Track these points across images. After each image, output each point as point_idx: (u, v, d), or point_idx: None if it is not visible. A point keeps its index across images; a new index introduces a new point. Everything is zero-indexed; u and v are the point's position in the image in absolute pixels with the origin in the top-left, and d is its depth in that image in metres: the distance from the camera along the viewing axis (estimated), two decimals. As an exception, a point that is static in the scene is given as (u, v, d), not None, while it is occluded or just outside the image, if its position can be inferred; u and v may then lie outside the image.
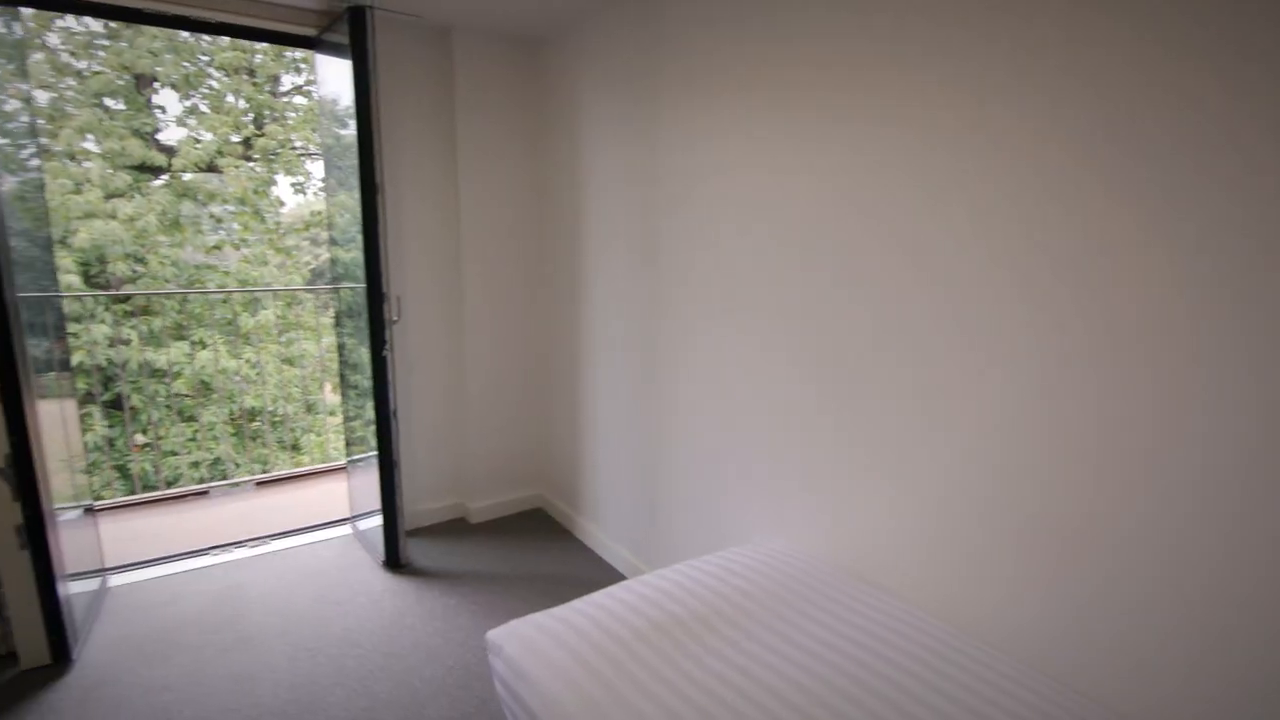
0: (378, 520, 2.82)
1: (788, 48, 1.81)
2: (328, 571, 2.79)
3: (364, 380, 2.79)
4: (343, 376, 3.16)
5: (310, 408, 7.74)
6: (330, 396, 7.82)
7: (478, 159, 3.01)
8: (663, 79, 2.30)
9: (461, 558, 2.92)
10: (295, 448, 7.58)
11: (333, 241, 3.10)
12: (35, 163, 2.49)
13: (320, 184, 7.91)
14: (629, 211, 2.55)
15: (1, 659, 2.19)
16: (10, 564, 2.09)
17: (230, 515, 3.34)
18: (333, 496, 3.54)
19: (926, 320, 1.54)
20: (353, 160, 2.55)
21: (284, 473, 3.80)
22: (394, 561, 2.81)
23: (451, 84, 2.93)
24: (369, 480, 2.86)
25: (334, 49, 2.67)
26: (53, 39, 7.31)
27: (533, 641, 1.45)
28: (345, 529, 3.16)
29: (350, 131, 2.58)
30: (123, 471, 6.90)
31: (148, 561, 2.81)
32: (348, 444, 3.29)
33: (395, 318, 2.67)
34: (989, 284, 1.40)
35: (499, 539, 3.09)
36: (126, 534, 3.10)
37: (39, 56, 7.23)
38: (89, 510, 2.68)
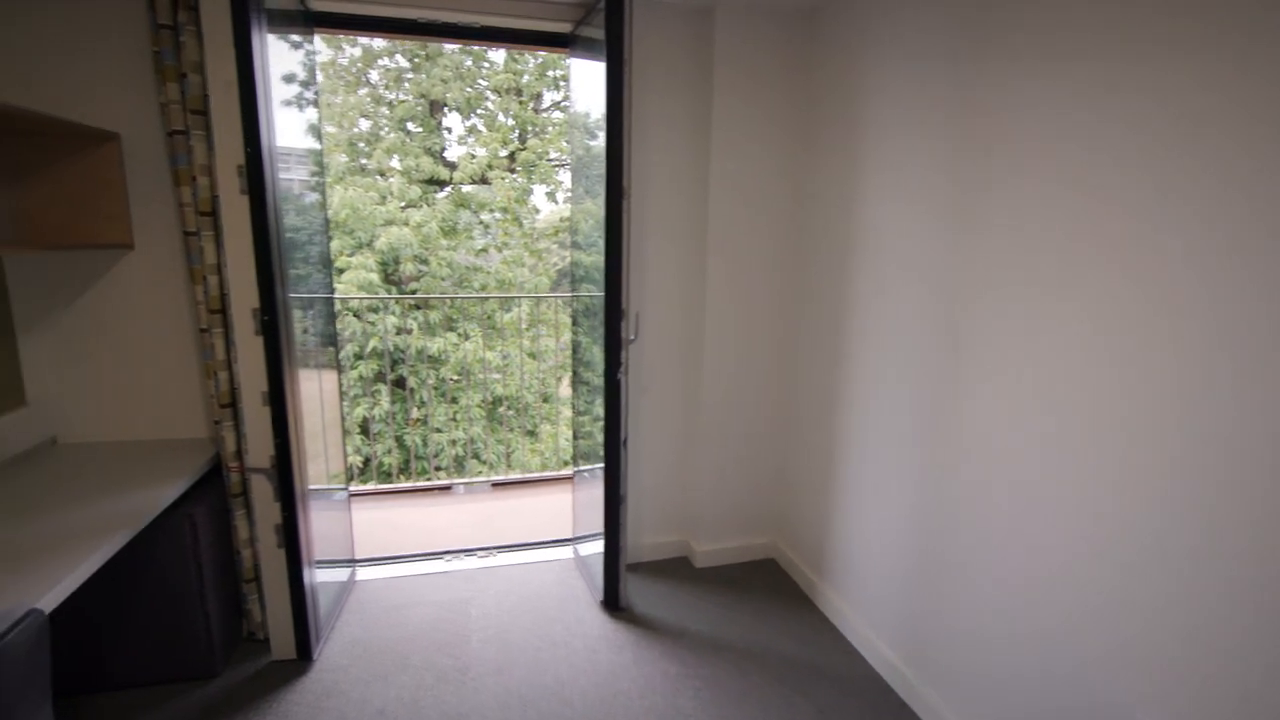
0: (598, 547, 2.52)
1: None
2: (546, 600, 2.54)
3: (594, 378, 2.58)
4: (576, 372, 3.07)
5: (547, 398, 8.02)
6: (565, 390, 8.10)
7: (732, 158, 2.54)
8: (989, 56, 1.61)
9: (684, 609, 2.49)
10: (532, 434, 7.95)
11: (575, 245, 2.98)
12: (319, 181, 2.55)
13: (568, 192, 8.19)
14: (923, 228, 1.89)
15: (260, 643, 2.23)
16: (270, 559, 2.09)
17: (466, 516, 3.30)
18: (558, 510, 3.35)
19: None
20: (599, 169, 2.30)
21: (516, 476, 3.73)
22: (612, 603, 2.48)
23: (709, 74, 2.50)
24: (592, 498, 2.58)
25: (587, 46, 2.39)
26: (374, 75, 8.43)
27: None
28: (567, 551, 2.92)
29: (598, 143, 2.37)
30: (399, 441, 7.71)
31: (391, 557, 2.81)
32: (575, 437, 3.11)
33: (632, 336, 2.31)
34: None
35: (726, 592, 2.61)
36: (376, 523, 3.18)
37: (363, 91, 8.39)
38: (347, 496, 2.73)
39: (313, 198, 2.48)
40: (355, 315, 7.15)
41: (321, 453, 2.40)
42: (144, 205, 2.12)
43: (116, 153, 2.07)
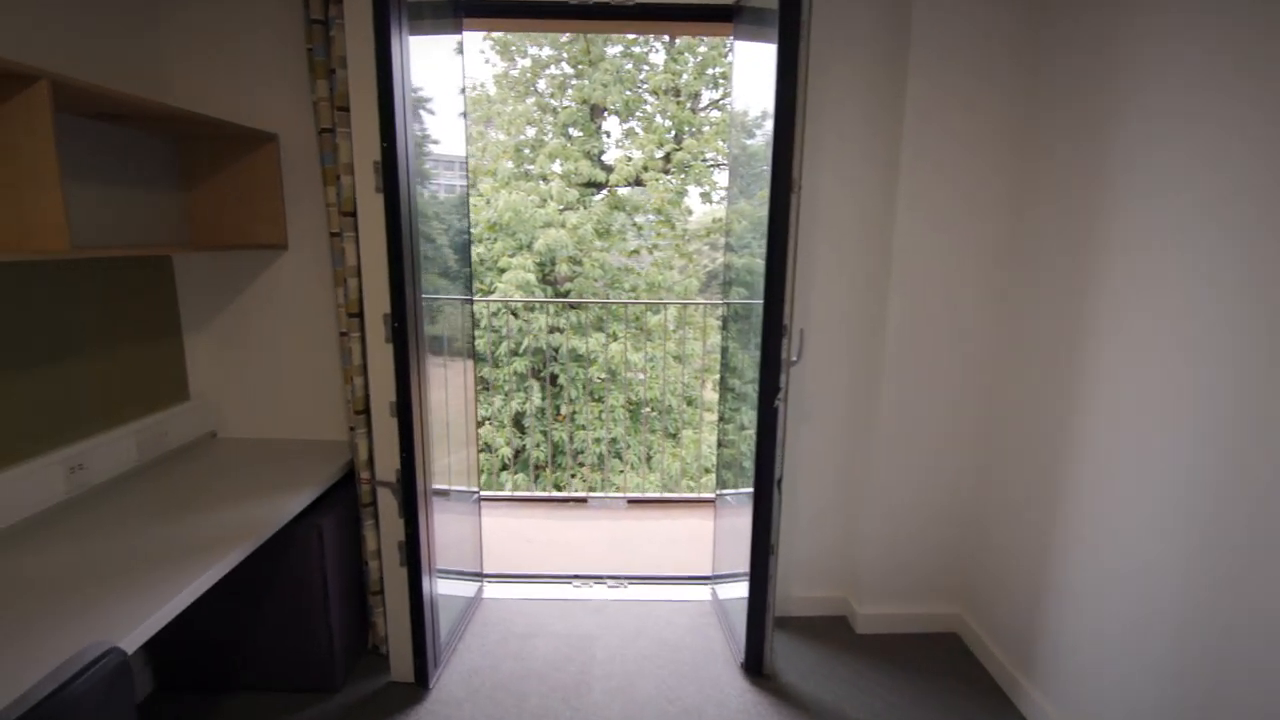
0: (740, 591, 2.13)
1: None
2: (679, 650, 2.19)
3: (740, 384, 2.30)
4: (723, 378, 2.76)
5: (690, 402, 7.71)
6: (709, 394, 7.79)
7: (930, 152, 2.01)
8: None
9: (841, 685, 2.02)
10: (673, 436, 7.69)
11: (728, 248, 2.65)
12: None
13: (723, 191, 7.83)
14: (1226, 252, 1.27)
15: (384, 657, 2.11)
16: (393, 577, 1.94)
17: (599, 533, 3.05)
18: (696, 538, 2.99)
19: None
20: (756, 168, 1.95)
21: (654, 495, 3.43)
22: (755, 667, 2.07)
23: (904, 50, 1.99)
24: (735, 529, 2.21)
25: (754, 20, 2.01)
26: (541, 84, 8.62)
27: None
28: (704, 591, 2.55)
29: (755, 140, 2.05)
30: (547, 436, 7.79)
31: (519, 576, 2.61)
32: (719, 445, 2.76)
33: (795, 358, 1.88)
34: None
35: (895, 670, 2.10)
36: (508, 534, 3.02)
37: (531, 100, 8.60)
38: (478, 502, 2.56)
39: (457, 198, 2.33)
40: (514, 314, 7.32)
41: (452, 453, 2.26)
42: (296, 205, 2.07)
43: (275, 153, 2.02)
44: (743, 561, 2.06)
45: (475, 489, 2.56)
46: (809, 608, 2.40)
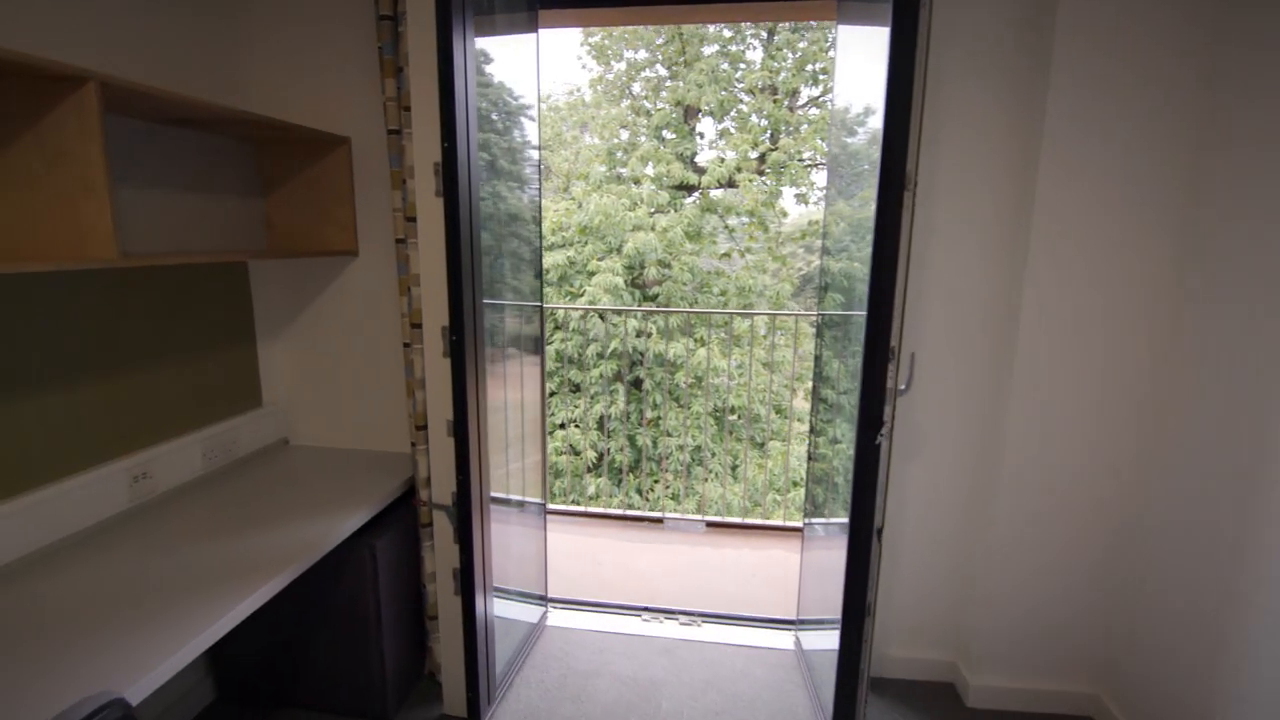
0: (828, 641, 1.83)
1: None
2: (754, 709, 1.91)
3: (834, 394, 2.10)
4: (814, 387, 2.47)
5: (779, 411, 7.36)
6: (798, 402, 7.41)
7: (1079, 162, 1.63)
8: None
9: (949, 776, 1.68)
10: (761, 446, 7.34)
11: (825, 251, 2.37)
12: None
13: (820, 193, 7.39)
14: None
15: (439, 685, 1.98)
16: (447, 604, 1.81)
17: (674, 559, 2.82)
18: (781, 572, 2.69)
19: None
20: (858, 168, 1.72)
21: (736, 520, 3.14)
22: (843, 741, 1.77)
23: (1047, 42, 1.62)
24: (824, 566, 1.94)
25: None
26: (636, 87, 8.50)
27: None
28: (787, 638, 2.26)
29: (857, 139, 1.79)
30: (631, 440, 7.66)
31: (585, 603, 2.42)
32: (809, 459, 2.47)
33: (903, 386, 1.57)
34: None
35: (1016, 763, 1.73)
36: (577, 553, 2.85)
37: (625, 103, 8.50)
38: (543, 518, 2.40)
39: (528, 201, 2.18)
40: (601, 317, 7.23)
41: (520, 460, 2.12)
42: (365, 210, 1.98)
43: (347, 157, 1.95)
44: (832, 608, 1.77)
45: (542, 501, 2.41)
46: (909, 670, 2.05)
